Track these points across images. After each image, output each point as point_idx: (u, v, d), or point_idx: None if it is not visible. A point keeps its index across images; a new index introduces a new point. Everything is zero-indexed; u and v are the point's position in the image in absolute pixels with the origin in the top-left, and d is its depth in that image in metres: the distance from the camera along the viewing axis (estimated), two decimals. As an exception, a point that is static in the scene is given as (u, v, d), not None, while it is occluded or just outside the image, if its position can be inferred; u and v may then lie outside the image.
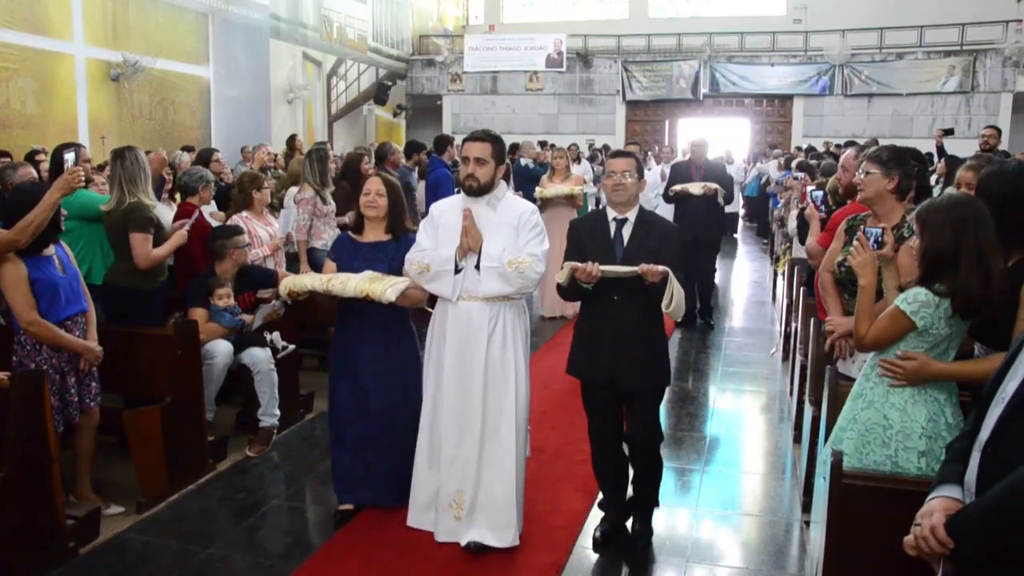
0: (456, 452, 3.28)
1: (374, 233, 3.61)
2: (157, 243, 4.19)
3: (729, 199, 7.14)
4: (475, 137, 3.31)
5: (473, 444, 3.26)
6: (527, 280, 3.19)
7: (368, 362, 3.53)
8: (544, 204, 7.14)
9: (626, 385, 3.24)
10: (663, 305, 3.04)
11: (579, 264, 3.04)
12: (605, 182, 3.30)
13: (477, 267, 3.20)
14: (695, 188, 6.81)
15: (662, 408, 3.73)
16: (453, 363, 3.28)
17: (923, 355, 2.42)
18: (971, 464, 1.76)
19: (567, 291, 3.19)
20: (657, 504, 3.53)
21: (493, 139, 3.30)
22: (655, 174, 9.43)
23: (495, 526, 3.27)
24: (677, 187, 6.93)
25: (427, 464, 3.39)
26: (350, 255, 3.56)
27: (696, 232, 6.77)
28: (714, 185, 6.83)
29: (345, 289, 3.30)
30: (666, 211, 8.83)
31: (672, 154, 10.72)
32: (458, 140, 10.42)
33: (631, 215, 3.27)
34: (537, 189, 7.37)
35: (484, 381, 3.25)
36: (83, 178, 3.46)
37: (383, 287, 3.25)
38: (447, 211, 3.37)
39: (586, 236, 3.29)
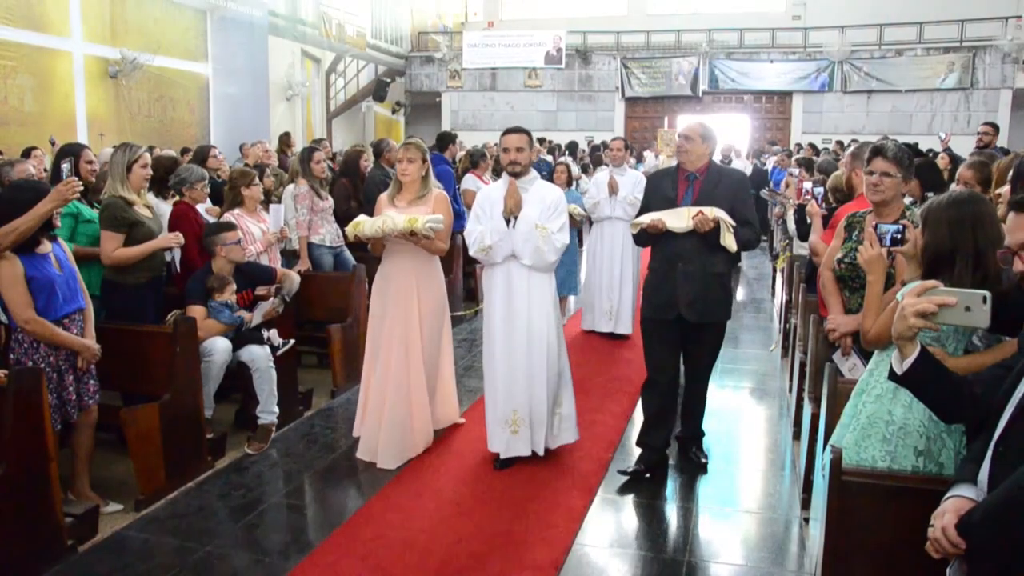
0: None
1: None
2: (141, 240, 4.15)
3: (753, 241, 3.89)
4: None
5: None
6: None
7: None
8: None
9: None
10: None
11: None
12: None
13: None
14: (675, 219, 3.74)
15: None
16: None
17: (940, 350, 2.40)
18: (984, 463, 1.75)
19: None
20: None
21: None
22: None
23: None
24: (646, 219, 3.79)
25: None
26: None
27: (680, 307, 3.82)
28: (716, 212, 3.68)
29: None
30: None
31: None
32: (460, 137, 10.50)
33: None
34: None
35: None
36: (79, 189, 3.41)
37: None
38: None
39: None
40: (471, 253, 4.00)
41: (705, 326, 3.90)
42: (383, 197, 4.32)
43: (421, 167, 4.18)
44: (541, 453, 4.01)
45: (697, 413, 4.21)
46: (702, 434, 4.25)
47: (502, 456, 4.01)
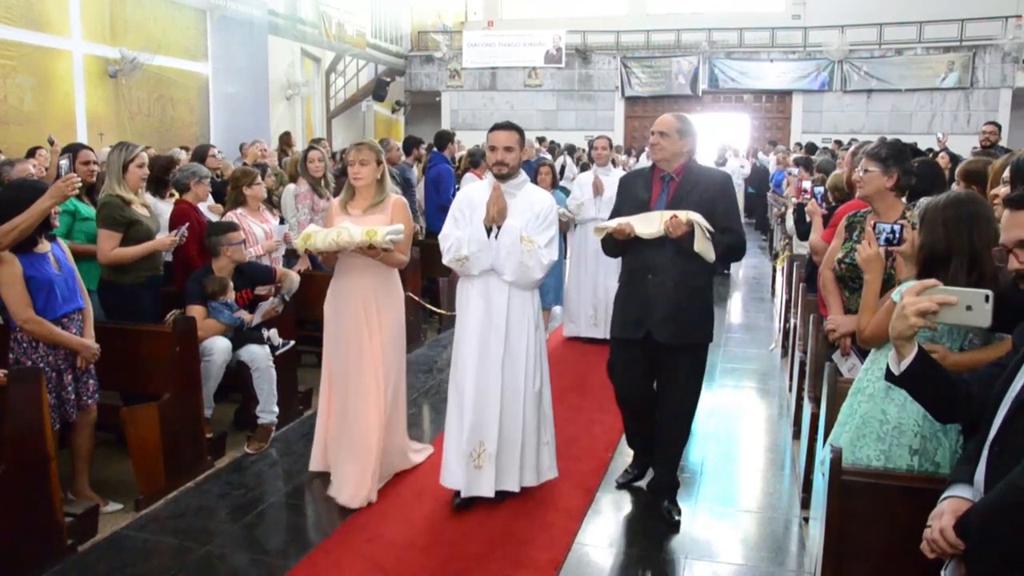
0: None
1: None
2: (138, 239, 4.15)
3: (737, 249, 3.49)
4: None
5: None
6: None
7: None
8: None
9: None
10: None
11: None
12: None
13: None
14: (645, 225, 3.37)
15: None
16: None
17: (943, 348, 2.40)
18: (980, 463, 1.75)
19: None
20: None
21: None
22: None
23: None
24: (613, 224, 3.46)
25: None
26: None
27: (650, 324, 3.43)
28: (691, 215, 3.29)
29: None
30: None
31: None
32: (459, 136, 10.52)
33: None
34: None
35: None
36: (78, 186, 3.41)
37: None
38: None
39: None
40: (444, 261, 3.55)
41: (679, 349, 3.41)
42: (335, 204, 3.84)
43: (375, 170, 3.72)
44: (516, 490, 3.60)
45: (670, 457, 3.62)
46: (677, 484, 3.68)
47: (464, 494, 3.55)
